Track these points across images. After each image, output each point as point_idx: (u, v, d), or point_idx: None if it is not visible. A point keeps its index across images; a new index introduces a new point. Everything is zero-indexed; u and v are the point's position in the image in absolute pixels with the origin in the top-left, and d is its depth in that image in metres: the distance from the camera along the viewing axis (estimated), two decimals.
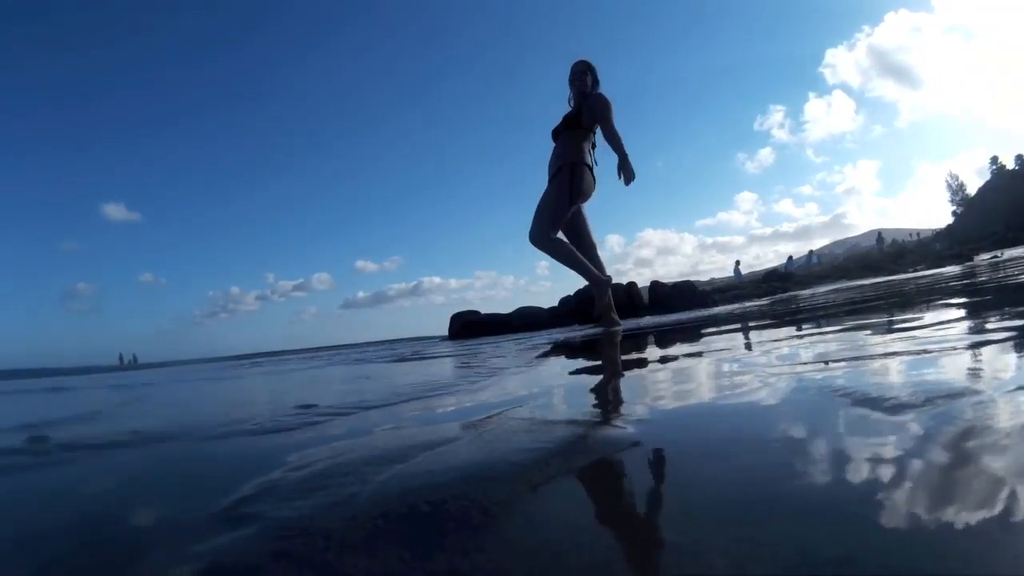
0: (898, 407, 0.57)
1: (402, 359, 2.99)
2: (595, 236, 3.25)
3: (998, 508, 0.33)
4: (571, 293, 7.36)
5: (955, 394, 0.59)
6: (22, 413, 1.92)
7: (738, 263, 16.49)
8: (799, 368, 0.92)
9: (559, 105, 3.49)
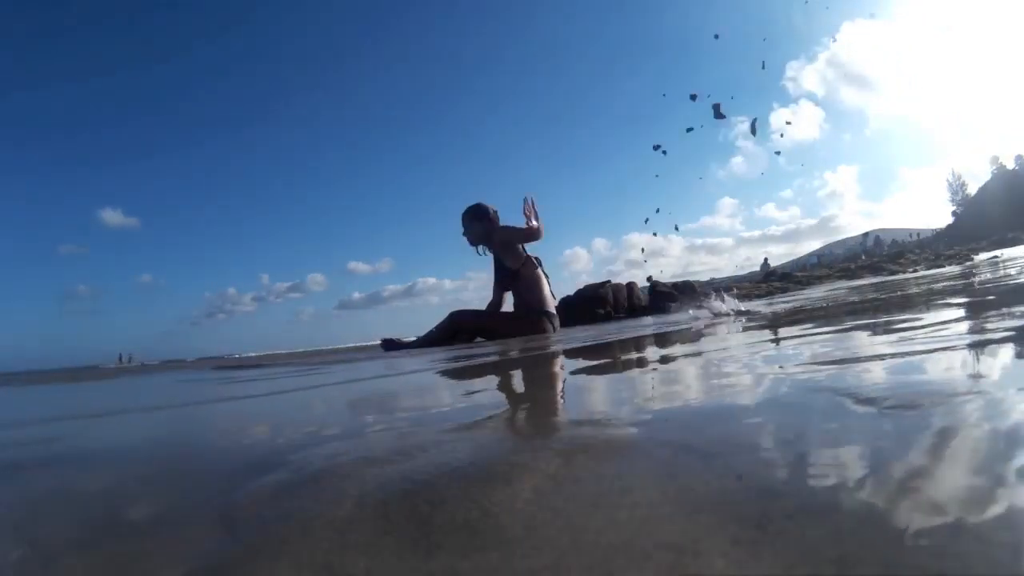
0: (899, 406, 0.57)
1: None
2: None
3: (998, 507, 0.33)
4: (571, 293, 7.36)
5: (956, 394, 0.59)
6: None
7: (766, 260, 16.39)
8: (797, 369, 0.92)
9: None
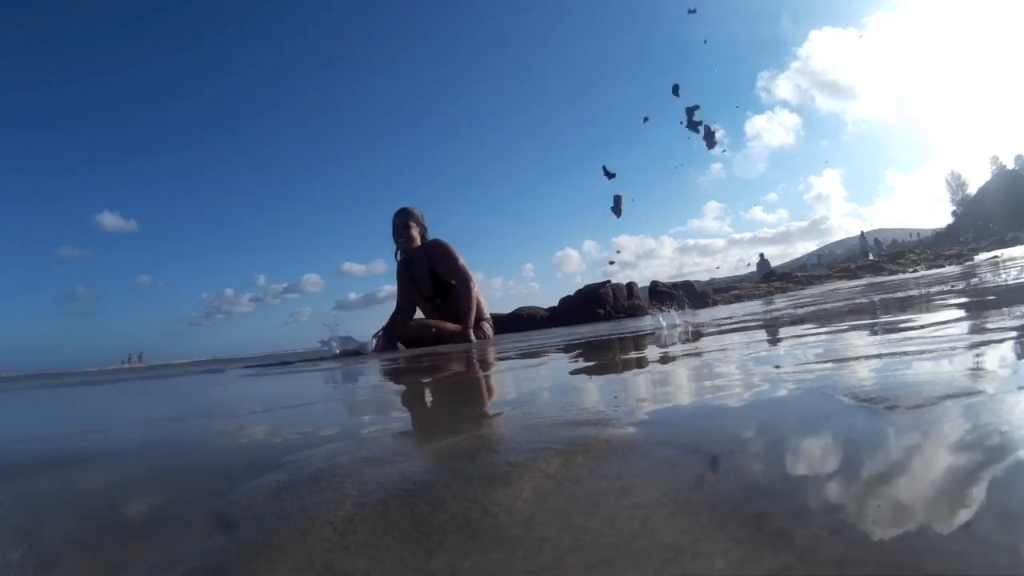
0: (899, 406, 0.57)
1: None
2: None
3: (997, 508, 0.33)
4: (571, 293, 7.36)
5: (956, 394, 0.59)
6: None
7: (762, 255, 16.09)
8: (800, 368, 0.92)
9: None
